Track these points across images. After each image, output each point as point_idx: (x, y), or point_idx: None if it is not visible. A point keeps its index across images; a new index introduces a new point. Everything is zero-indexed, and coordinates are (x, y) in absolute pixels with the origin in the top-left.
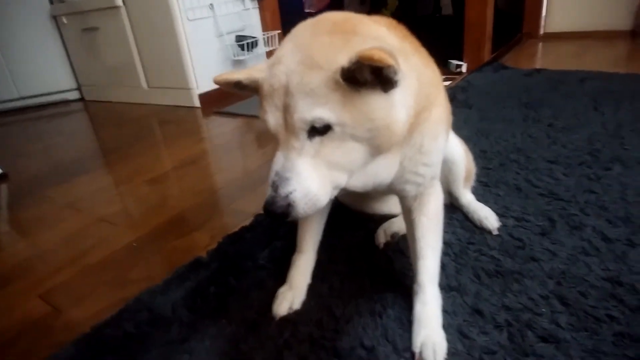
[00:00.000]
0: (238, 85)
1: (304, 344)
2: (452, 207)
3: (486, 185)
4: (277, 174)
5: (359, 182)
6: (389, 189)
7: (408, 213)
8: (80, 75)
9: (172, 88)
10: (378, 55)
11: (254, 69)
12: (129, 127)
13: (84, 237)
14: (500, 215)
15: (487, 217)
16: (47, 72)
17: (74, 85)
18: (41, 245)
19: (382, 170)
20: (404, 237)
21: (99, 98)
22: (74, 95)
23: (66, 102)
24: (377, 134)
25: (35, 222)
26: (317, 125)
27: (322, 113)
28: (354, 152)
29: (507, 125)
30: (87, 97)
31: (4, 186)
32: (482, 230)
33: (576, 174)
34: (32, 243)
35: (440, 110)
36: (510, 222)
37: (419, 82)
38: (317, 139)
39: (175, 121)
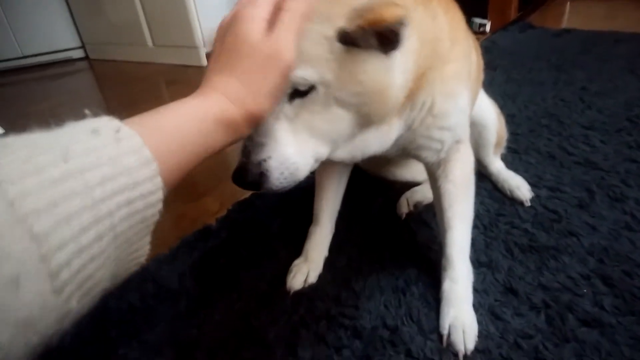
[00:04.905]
0: None
1: (321, 321)
2: (480, 176)
3: (515, 152)
4: (250, 138)
5: (345, 154)
6: (404, 153)
7: (433, 180)
8: (84, 32)
9: (179, 46)
10: (391, 16)
11: None
12: (135, 87)
13: None
14: (532, 184)
15: (519, 186)
16: (50, 30)
17: (78, 43)
18: None
19: (374, 142)
20: (428, 207)
21: (103, 56)
22: (78, 53)
23: (70, 60)
24: (366, 100)
25: None
26: (301, 87)
27: (306, 72)
28: (339, 120)
29: (536, 88)
30: (91, 56)
31: None
32: (513, 201)
33: (614, 142)
34: None
35: (457, 66)
36: (544, 192)
37: (421, 40)
38: (297, 101)
39: (182, 81)
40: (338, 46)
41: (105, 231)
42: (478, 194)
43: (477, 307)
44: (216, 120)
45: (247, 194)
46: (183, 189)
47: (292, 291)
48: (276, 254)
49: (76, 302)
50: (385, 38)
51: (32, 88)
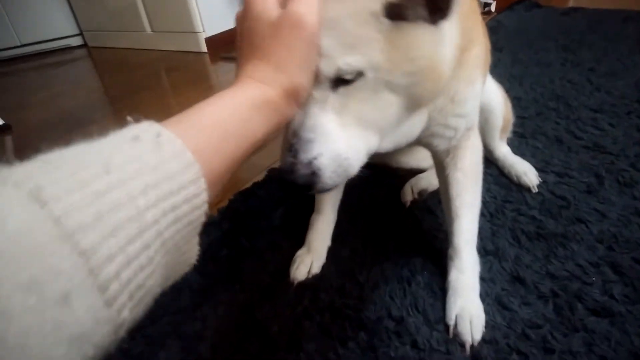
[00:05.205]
0: None
1: (325, 313)
2: (486, 161)
3: (522, 136)
4: (295, 134)
5: (391, 143)
6: (415, 142)
7: (441, 169)
8: (82, 20)
9: (177, 32)
10: None
11: None
12: (135, 75)
13: None
14: (539, 170)
15: (526, 172)
16: (48, 18)
17: (76, 30)
18: None
19: (415, 128)
20: (432, 195)
21: (102, 44)
22: (77, 41)
23: (69, 48)
24: (419, 79)
25: None
26: (347, 76)
27: (352, 57)
28: (389, 105)
29: (543, 69)
30: (90, 43)
31: (8, 138)
32: (520, 187)
33: (624, 125)
34: None
35: (479, 49)
36: (551, 178)
37: (461, 15)
38: (342, 90)
39: (181, 68)
40: (386, 22)
41: (153, 239)
42: (484, 180)
43: (483, 296)
44: (254, 105)
45: (249, 183)
46: None
47: (295, 282)
48: (279, 244)
49: (129, 313)
50: (435, 6)
51: (31, 77)
